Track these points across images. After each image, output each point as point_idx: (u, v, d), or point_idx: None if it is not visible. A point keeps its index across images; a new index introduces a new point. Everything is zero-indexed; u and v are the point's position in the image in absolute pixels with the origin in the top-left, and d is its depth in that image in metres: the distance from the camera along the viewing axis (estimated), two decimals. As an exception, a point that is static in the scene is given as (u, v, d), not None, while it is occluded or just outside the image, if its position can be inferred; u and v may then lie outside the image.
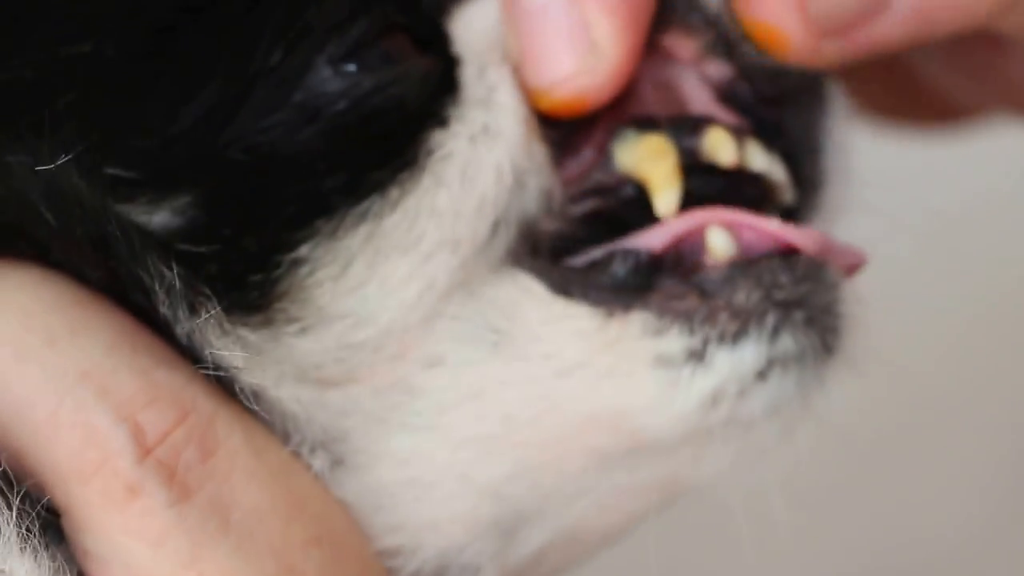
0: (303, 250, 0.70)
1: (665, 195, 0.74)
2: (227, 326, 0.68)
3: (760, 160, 0.76)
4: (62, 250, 0.67)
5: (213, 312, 0.68)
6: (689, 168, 0.75)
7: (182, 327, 0.67)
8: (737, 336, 0.73)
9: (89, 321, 0.66)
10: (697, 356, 0.73)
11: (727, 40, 0.77)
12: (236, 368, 0.69)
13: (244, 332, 0.69)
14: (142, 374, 0.66)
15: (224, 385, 0.69)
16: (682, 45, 0.77)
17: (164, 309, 0.67)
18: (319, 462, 0.71)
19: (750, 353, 0.73)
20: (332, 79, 0.72)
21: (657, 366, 0.73)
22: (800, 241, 0.75)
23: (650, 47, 0.76)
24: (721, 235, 0.75)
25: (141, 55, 0.71)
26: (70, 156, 0.66)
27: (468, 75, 0.74)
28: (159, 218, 0.69)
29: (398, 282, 0.71)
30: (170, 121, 0.70)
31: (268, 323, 0.70)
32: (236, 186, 0.70)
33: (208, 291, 0.68)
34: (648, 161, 0.75)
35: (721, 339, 0.73)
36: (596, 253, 0.75)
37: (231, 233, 0.70)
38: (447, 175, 0.72)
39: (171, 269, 0.67)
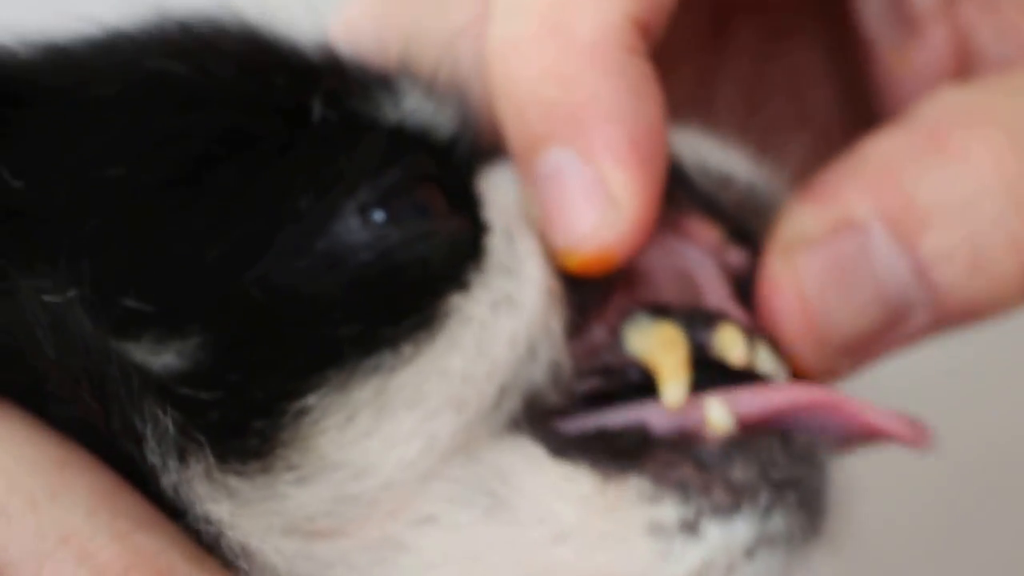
0: (311, 399, 0.70)
1: (673, 387, 0.75)
2: (217, 475, 0.68)
3: (768, 363, 0.77)
4: (58, 384, 0.67)
5: (204, 461, 0.68)
6: (698, 360, 0.76)
7: (169, 477, 0.67)
8: (730, 511, 0.73)
9: (70, 483, 0.66)
10: (690, 527, 0.73)
11: (747, 229, 0.78)
12: (222, 522, 0.68)
13: (235, 481, 0.69)
14: (121, 539, 0.66)
15: (207, 538, 0.68)
16: (704, 232, 0.78)
17: (153, 458, 0.67)
18: None
19: (741, 529, 0.73)
20: (359, 229, 0.72)
21: (650, 534, 0.73)
22: (803, 399, 0.76)
23: (670, 227, 0.78)
24: (720, 409, 0.75)
25: (175, 184, 0.71)
26: (80, 289, 0.67)
27: (495, 242, 0.75)
28: (163, 359, 0.69)
29: (401, 437, 0.71)
30: (196, 255, 0.70)
31: (265, 471, 0.69)
32: (250, 328, 0.70)
33: (202, 438, 0.68)
34: (659, 350, 0.76)
35: (714, 512, 0.73)
36: (595, 419, 0.76)
37: (237, 379, 0.69)
38: (463, 339, 0.73)
39: (166, 414, 0.67)
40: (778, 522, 0.74)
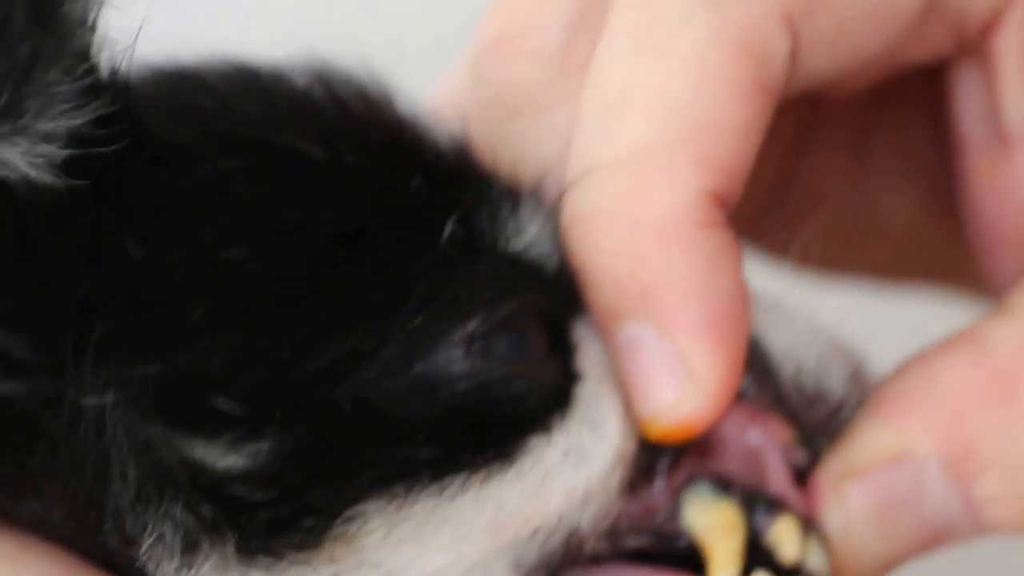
0: (367, 507, 0.70)
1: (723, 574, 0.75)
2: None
3: (817, 560, 0.77)
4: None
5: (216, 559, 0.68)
6: (749, 542, 0.76)
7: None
8: None
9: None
10: None
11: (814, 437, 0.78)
12: None
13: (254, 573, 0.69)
14: None
15: None
16: (778, 429, 0.78)
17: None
18: None
19: None
20: (461, 359, 0.71)
21: None
22: None
23: (747, 408, 0.78)
24: None
25: (290, 278, 0.70)
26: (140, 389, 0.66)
27: (584, 392, 0.74)
28: (230, 460, 0.68)
29: (433, 549, 0.71)
30: (297, 360, 0.69)
31: (295, 564, 0.69)
32: (327, 438, 0.70)
33: (231, 535, 0.68)
34: (717, 533, 0.75)
35: None
36: None
37: (298, 484, 0.69)
38: (529, 478, 0.72)
39: (191, 513, 0.67)
40: None
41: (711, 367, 0.72)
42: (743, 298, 0.74)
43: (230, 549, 0.68)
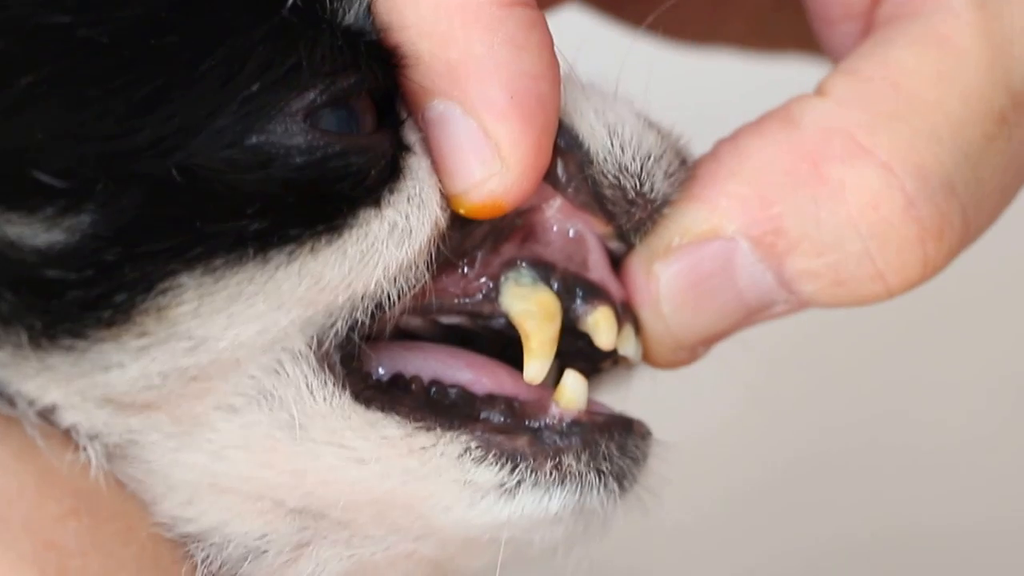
0: (184, 279, 0.68)
1: (538, 364, 0.75)
2: (35, 352, 0.67)
3: (630, 347, 0.78)
4: None
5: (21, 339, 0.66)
6: (565, 327, 0.77)
7: None
8: (551, 487, 0.75)
9: None
10: (507, 491, 0.74)
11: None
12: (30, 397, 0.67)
13: (56, 358, 0.67)
14: None
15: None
16: (595, 225, 0.78)
17: None
18: (93, 450, 0.70)
19: (556, 503, 0.75)
20: (298, 132, 0.69)
21: (465, 486, 0.74)
22: None
23: (568, 207, 0.78)
24: (579, 382, 0.77)
25: (118, 45, 0.66)
26: None
27: (411, 165, 0.73)
28: (50, 236, 0.66)
29: (244, 319, 0.70)
30: (126, 131, 0.65)
31: (103, 340, 0.67)
32: (154, 210, 0.67)
33: (37, 319, 0.66)
34: (534, 319, 0.76)
35: (535, 485, 0.74)
36: (435, 364, 0.76)
37: (116, 259, 0.66)
38: (351, 253, 0.71)
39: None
40: (594, 503, 0.76)
41: (515, 145, 0.72)
42: (550, 77, 0.73)
43: (24, 337, 0.66)
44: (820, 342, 1.41)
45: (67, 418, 0.69)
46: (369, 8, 0.72)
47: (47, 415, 0.69)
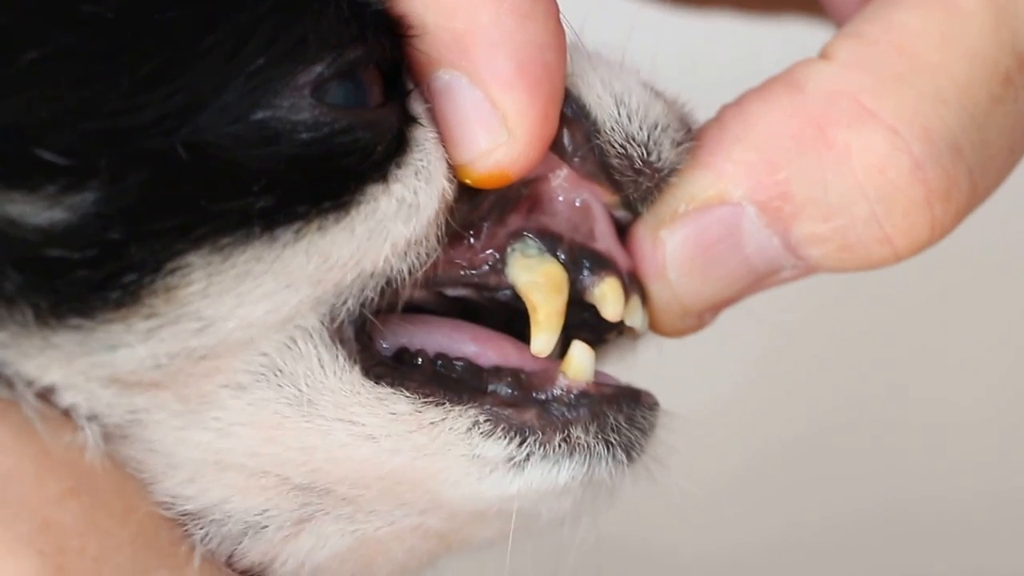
0: (192, 259, 0.67)
1: (545, 337, 0.75)
2: (40, 331, 0.65)
3: (638, 318, 0.78)
4: None
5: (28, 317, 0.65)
6: (572, 299, 0.76)
7: None
8: (560, 459, 0.74)
9: None
10: (516, 465, 0.74)
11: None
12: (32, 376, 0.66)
13: (61, 337, 0.66)
14: None
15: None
16: (603, 193, 0.77)
17: None
18: (91, 430, 0.69)
19: (565, 475, 0.75)
20: (306, 108, 0.68)
21: (474, 461, 0.74)
22: None
23: (575, 176, 0.77)
24: (586, 354, 0.76)
25: (121, 19, 0.64)
26: None
27: (419, 137, 0.72)
28: (52, 214, 0.64)
29: (252, 298, 0.69)
30: (130, 106, 0.64)
31: (112, 321, 0.66)
32: (160, 188, 0.66)
33: (43, 299, 0.65)
34: (541, 291, 0.75)
35: (544, 458, 0.74)
36: (441, 338, 0.76)
37: (121, 239, 0.65)
38: (359, 230, 0.70)
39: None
40: (602, 474, 0.76)
41: (522, 115, 0.72)
42: (556, 47, 0.73)
43: (30, 316, 0.65)
44: (827, 316, 1.40)
45: (66, 398, 0.68)
46: None
47: (46, 395, 0.68)
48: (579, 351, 0.76)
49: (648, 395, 0.78)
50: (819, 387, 1.49)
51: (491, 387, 0.75)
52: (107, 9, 0.64)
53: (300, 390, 0.71)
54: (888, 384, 1.51)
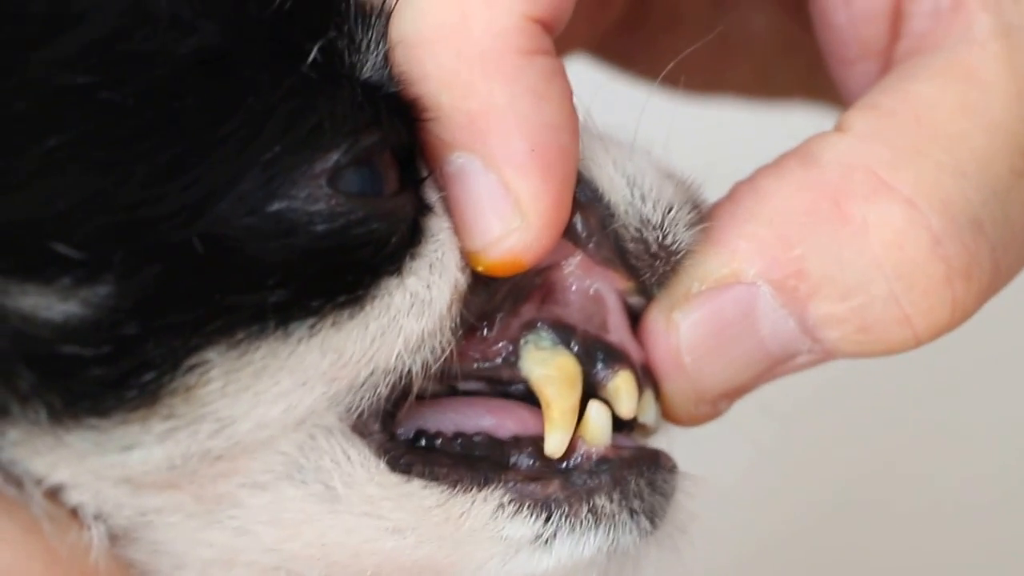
0: (210, 355, 0.65)
1: (559, 435, 0.73)
2: (50, 431, 0.64)
3: (651, 415, 0.76)
4: None
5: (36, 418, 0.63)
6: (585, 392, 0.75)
7: None
8: (586, 532, 0.73)
9: None
10: (543, 544, 0.72)
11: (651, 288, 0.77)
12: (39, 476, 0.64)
13: (73, 436, 0.64)
14: None
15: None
16: (617, 281, 0.76)
17: None
18: (97, 530, 0.67)
19: (591, 547, 0.73)
20: (322, 198, 0.66)
21: (500, 543, 0.72)
22: None
23: (589, 263, 0.76)
24: (604, 416, 0.74)
25: (140, 108, 0.62)
26: None
27: (433, 227, 0.71)
28: (62, 308, 0.63)
29: (269, 398, 0.67)
30: (150, 200, 0.62)
31: (130, 422, 0.64)
32: (175, 282, 0.64)
33: (57, 398, 0.63)
34: (555, 385, 0.74)
35: (571, 533, 0.73)
36: (456, 417, 0.74)
37: (136, 334, 0.63)
38: (372, 327, 0.68)
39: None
40: (627, 542, 0.74)
41: (536, 199, 0.70)
42: (570, 128, 0.71)
43: (44, 415, 0.63)
44: (849, 389, 1.40)
45: (74, 497, 0.66)
46: (386, 59, 0.69)
47: (53, 493, 0.66)
48: (596, 412, 0.74)
49: (666, 456, 0.76)
50: (840, 458, 1.49)
51: (512, 459, 0.74)
52: (126, 96, 0.62)
53: (327, 486, 0.70)
54: (912, 458, 1.50)
